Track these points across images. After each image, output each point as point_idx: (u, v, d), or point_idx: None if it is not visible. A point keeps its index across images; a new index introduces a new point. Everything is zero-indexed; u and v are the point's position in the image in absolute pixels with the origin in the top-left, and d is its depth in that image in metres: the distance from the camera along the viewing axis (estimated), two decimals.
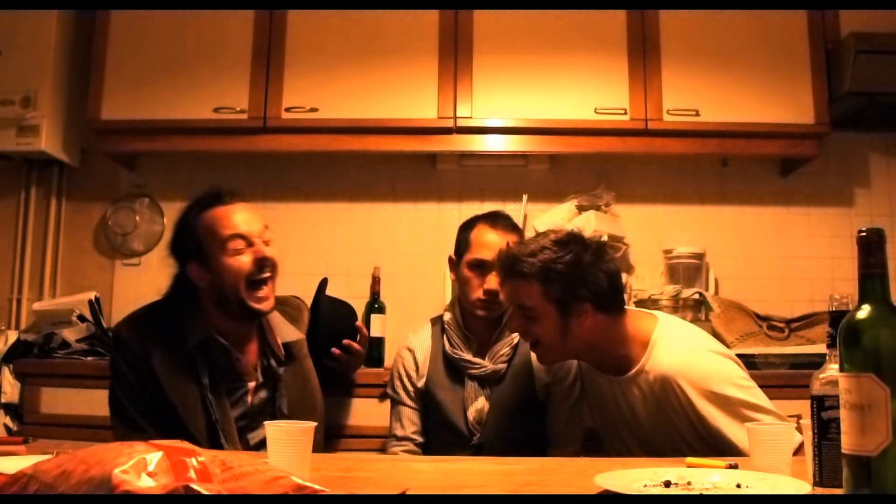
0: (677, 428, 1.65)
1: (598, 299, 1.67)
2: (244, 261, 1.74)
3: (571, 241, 1.70)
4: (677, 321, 1.85)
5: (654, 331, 1.71)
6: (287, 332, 1.89)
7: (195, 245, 1.77)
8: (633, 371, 1.70)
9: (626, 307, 1.78)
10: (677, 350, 1.67)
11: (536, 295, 1.66)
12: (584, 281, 1.66)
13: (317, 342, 1.97)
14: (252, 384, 1.81)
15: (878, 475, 0.94)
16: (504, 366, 2.01)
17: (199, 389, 1.73)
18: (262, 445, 1.78)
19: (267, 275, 1.77)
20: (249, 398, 1.80)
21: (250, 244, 1.75)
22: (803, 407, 1.23)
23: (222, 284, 1.75)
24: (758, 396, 1.64)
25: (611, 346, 1.72)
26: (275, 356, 1.84)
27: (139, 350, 1.75)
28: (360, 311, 2.90)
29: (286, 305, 2.01)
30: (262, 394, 1.82)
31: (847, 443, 0.97)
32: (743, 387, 1.64)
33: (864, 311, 0.99)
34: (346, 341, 2.03)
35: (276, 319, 1.90)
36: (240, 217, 1.77)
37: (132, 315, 1.87)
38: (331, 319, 2.04)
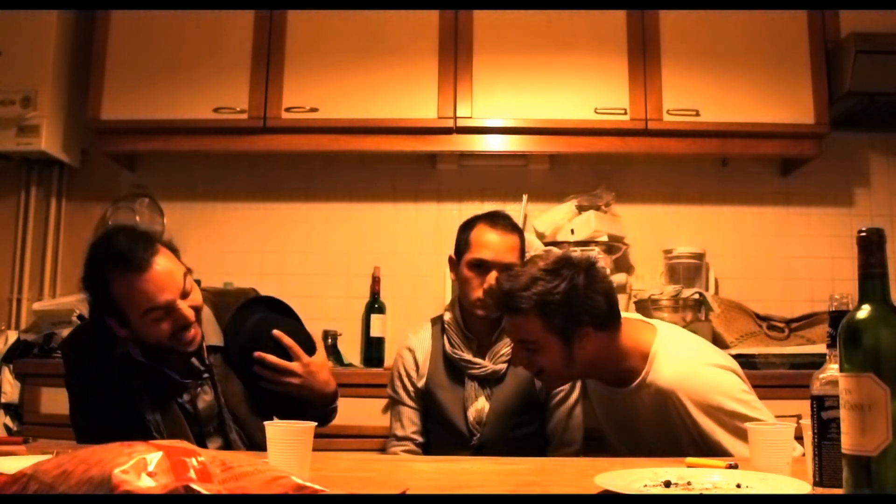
0: (678, 440, 1.65)
1: (598, 320, 1.65)
2: (165, 328, 1.63)
3: (563, 267, 1.66)
4: (676, 332, 1.83)
5: (653, 342, 1.69)
6: (211, 334, 1.77)
7: (111, 306, 1.64)
8: (635, 384, 1.68)
9: (623, 317, 1.76)
10: (677, 363, 1.66)
11: (537, 328, 1.64)
12: (583, 305, 1.63)
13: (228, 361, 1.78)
14: (194, 391, 1.75)
15: (878, 475, 0.94)
16: (504, 366, 2.01)
17: (139, 407, 1.68)
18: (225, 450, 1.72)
19: (191, 331, 1.67)
20: (191, 405, 1.74)
21: (170, 311, 1.63)
22: (803, 407, 1.23)
23: (144, 341, 1.68)
24: (758, 409, 1.63)
25: (612, 362, 1.70)
26: (200, 358, 1.75)
27: (84, 369, 1.73)
28: (360, 311, 2.93)
29: (228, 297, 1.88)
30: (207, 397, 1.75)
31: (847, 443, 0.97)
32: (743, 400, 1.63)
33: (864, 311, 0.99)
34: (257, 354, 1.72)
35: (205, 323, 1.77)
36: (157, 285, 1.61)
37: (74, 332, 1.87)
38: (235, 335, 1.77)
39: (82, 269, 1.66)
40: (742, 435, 1.49)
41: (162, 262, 1.62)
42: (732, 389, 1.64)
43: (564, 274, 1.64)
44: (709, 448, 1.60)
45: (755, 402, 1.65)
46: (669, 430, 1.65)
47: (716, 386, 1.64)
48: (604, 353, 1.68)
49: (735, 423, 1.58)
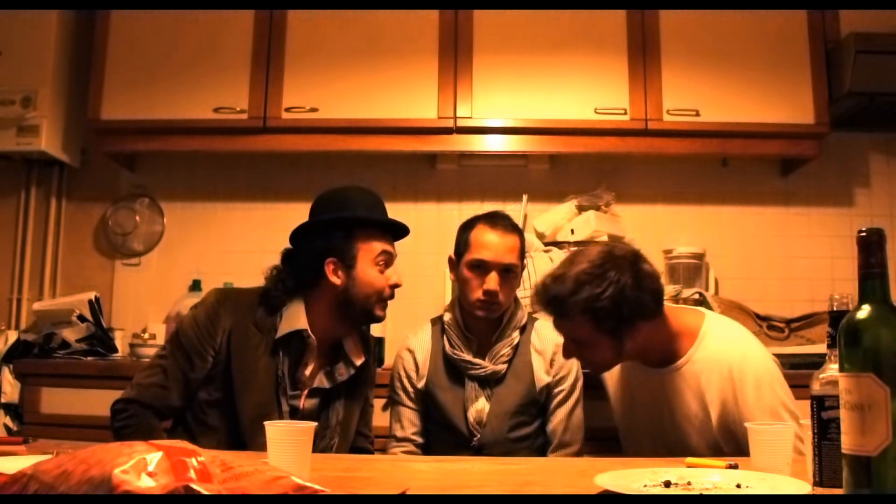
0: (709, 418, 1.66)
1: (646, 315, 1.65)
2: (381, 278, 1.82)
3: (608, 268, 1.63)
4: (724, 317, 1.87)
5: (702, 324, 1.73)
6: (357, 353, 1.87)
7: (340, 249, 1.80)
8: (681, 360, 1.71)
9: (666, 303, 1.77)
10: (728, 340, 1.70)
11: (588, 330, 1.64)
12: (632, 306, 1.62)
13: None
14: (306, 391, 1.82)
15: (878, 475, 0.94)
16: (504, 366, 2.01)
17: (274, 376, 1.76)
18: None
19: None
20: (301, 402, 1.80)
21: (389, 263, 1.83)
22: (803, 407, 1.23)
23: (356, 292, 1.80)
24: (793, 401, 1.66)
25: (660, 344, 1.72)
26: (348, 365, 1.84)
27: (220, 320, 1.78)
28: None
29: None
30: (315, 400, 1.82)
31: (847, 443, 0.97)
32: (785, 389, 1.67)
33: (864, 311, 0.99)
34: None
35: (353, 341, 1.89)
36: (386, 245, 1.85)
37: (228, 289, 1.94)
38: None
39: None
40: (776, 418, 1.55)
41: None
42: (778, 375, 1.69)
43: (611, 277, 1.61)
44: (740, 428, 1.55)
45: (790, 395, 1.68)
46: (705, 406, 1.66)
47: (765, 366, 1.67)
48: (653, 338, 1.69)
49: (776, 407, 1.61)
